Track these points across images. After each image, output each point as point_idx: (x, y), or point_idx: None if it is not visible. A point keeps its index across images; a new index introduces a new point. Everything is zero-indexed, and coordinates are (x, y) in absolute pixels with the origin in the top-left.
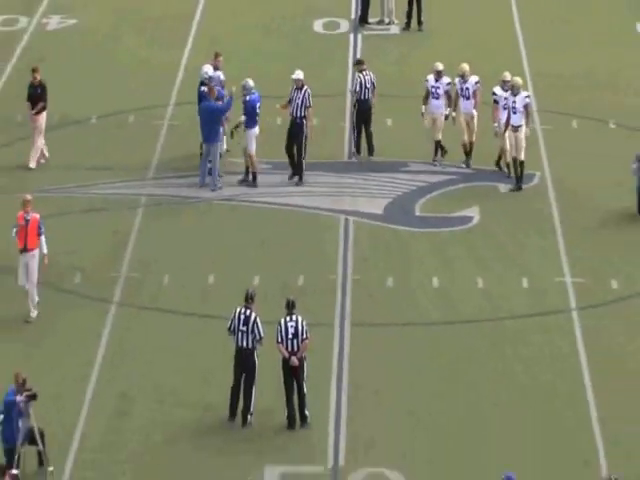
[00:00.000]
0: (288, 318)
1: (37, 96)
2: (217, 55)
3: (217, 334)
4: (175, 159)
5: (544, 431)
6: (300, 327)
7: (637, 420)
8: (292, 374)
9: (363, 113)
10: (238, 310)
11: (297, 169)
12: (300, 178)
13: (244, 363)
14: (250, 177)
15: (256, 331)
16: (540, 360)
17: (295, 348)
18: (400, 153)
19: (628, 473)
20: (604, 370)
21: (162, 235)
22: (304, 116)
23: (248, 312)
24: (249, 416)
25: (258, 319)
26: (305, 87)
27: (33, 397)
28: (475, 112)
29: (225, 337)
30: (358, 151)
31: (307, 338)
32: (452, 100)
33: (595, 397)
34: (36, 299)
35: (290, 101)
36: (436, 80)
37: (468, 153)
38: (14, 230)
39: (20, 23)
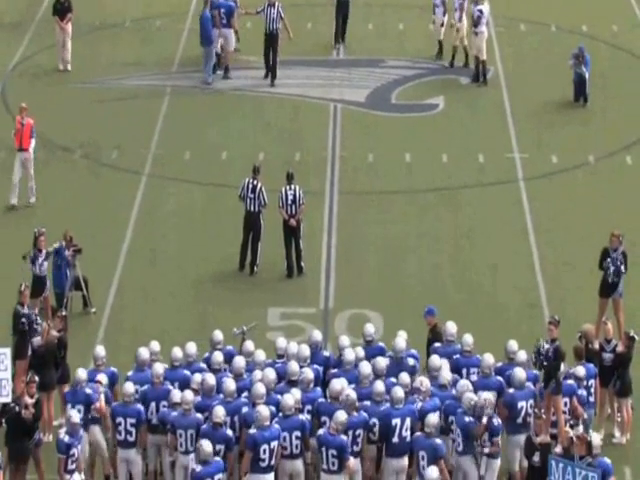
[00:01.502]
0: (288, 187)
1: (65, 9)
2: None
3: (230, 200)
4: (194, 57)
5: (494, 279)
6: (298, 195)
7: (573, 265)
8: (291, 233)
9: (342, 7)
10: (247, 181)
11: (272, 71)
12: (273, 79)
13: (252, 224)
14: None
15: (261, 198)
16: (491, 220)
17: (294, 212)
18: (378, 51)
19: (567, 314)
20: (545, 228)
21: (184, 118)
22: (278, 28)
23: (255, 182)
24: (255, 267)
25: (263, 188)
26: (277, 3)
27: (78, 251)
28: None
29: (236, 203)
30: (337, 40)
31: (303, 204)
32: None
33: (538, 250)
34: (34, 187)
35: (263, 12)
36: None
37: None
38: (13, 132)
39: None
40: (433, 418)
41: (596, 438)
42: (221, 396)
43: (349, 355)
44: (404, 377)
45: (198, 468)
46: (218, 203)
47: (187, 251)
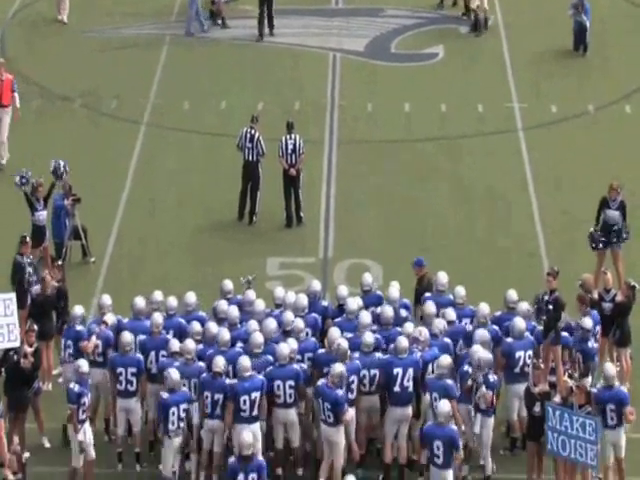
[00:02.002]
0: (288, 136)
1: None
2: None
3: (228, 150)
4: None
5: (493, 228)
6: (298, 144)
7: (572, 215)
8: (290, 183)
9: None
10: (245, 130)
11: (270, 21)
12: (271, 29)
13: (250, 174)
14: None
15: (260, 147)
16: (490, 170)
17: (293, 161)
18: (378, 0)
19: (566, 263)
20: (545, 178)
21: (183, 68)
22: None
23: (253, 132)
24: (254, 217)
25: (261, 137)
26: None
27: (77, 201)
28: None
29: (235, 152)
30: None
31: (303, 153)
32: None
33: (537, 199)
34: (6, 144)
35: None
36: None
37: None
38: None
39: None
40: (445, 360)
41: (611, 368)
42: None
43: (352, 304)
44: (407, 327)
45: (165, 395)
46: (217, 152)
47: (186, 201)
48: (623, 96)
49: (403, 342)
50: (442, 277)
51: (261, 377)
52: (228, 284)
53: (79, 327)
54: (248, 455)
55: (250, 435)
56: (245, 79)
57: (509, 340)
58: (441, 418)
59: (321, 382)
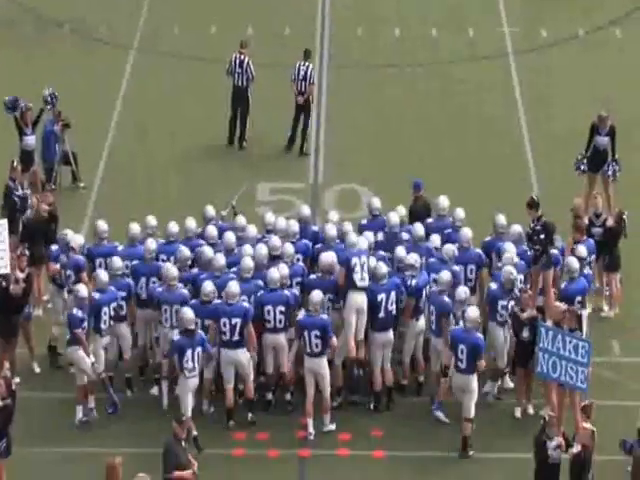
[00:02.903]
0: (302, 63)
1: None
2: None
3: (218, 75)
4: None
5: (484, 153)
6: (309, 72)
7: (563, 139)
8: (301, 110)
9: None
10: (234, 55)
11: None
12: None
13: (239, 99)
14: None
15: (249, 72)
16: (481, 95)
17: (303, 89)
18: None
19: (556, 188)
20: (535, 102)
21: None
22: None
23: (242, 57)
24: (244, 142)
25: (251, 62)
26: None
27: (67, 126)
28: None
29: (224, 78)
30: None
31: (313, 83)
32: None
33: (527, 124)
34: None
35: None
36: None
37: None
38: None
39: None
40: (445, 275)
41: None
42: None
43: (330, 231)
44: (399, 251)
45: (176, 337)
46: (207, 78)
47: (176, 126)
48: (613, 20)
49: (382, 269)
50: (442, 201)
51: (247, 305)
52: (210, 210)
53: (53, 247)
54: (191, 329)
55: (191, 311)
56: (235, 4)
57: (499, 264)
58: (469, 324)
59: (301, 314)
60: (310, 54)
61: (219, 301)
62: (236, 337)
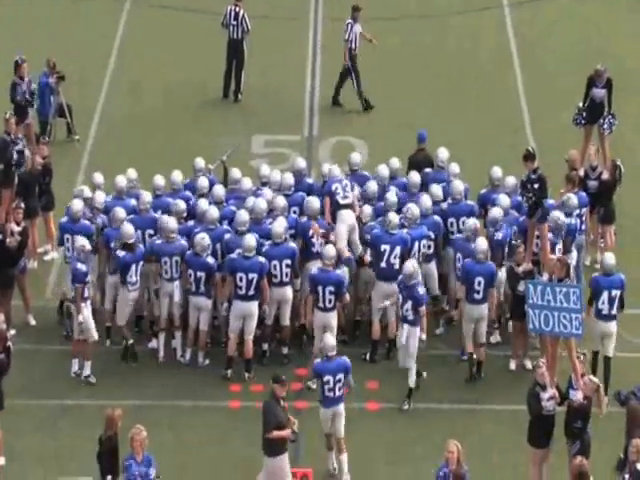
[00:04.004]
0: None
1: None
2: None
3: (213, 28)
4: None
5: (479, 104)
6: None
7: (559, 91)
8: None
9: None
10: (229, 7)
11: None
12: None
13: (235, 51)
14: None
15: (244, 24)
16: (476, 47)
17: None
18: None
19: (551, 140)
20: (530, 53)
21: None
22: None
23: (237, 9)
24: (239, 95)
25: (246, 14)
26: None
27: (62, 78)
28: None
29: (219, 30)
30: None
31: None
32: None
33: (522, 73)
34: None
35: None
36: None
37: None
38: None
39: None
40: (470, 222)
41: (610, 258)
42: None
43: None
44: (390, 196)
45: (121, 253)
46: (201, 31)
47: (171, 79)
48: None
49: (395, 219)
50: (442, 153)
51: (262, 259)
52: (199, 162)
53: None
54: (130, 243)
55: (131, 225)
56: None
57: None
58: (480, 255)
59: (315, 269)
60: (359, 8)
61: (235, 255)
62: (252, 291)
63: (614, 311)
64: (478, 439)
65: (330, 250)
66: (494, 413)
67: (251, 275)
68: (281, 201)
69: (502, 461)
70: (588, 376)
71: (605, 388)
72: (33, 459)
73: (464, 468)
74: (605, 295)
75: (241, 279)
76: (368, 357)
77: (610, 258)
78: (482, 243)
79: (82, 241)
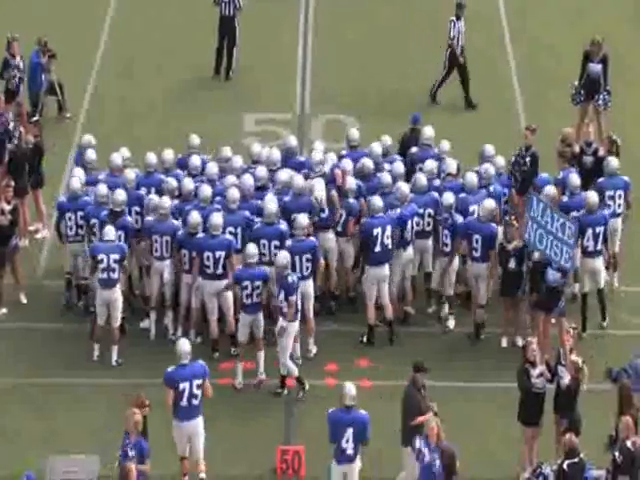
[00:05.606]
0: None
1: None
2: None
3: (204, 4)
4: None
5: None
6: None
7: (547, 68)
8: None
9: None
10: None
11: None
12: None
13: (226, 29)
14: None
15: (236, 1)
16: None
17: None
18: None
19: (545, 118)
20: (522, 35)
21: None
22: None
23: None
24: (231, 72)
25: None
26: None
27: (53, 56)
28: None
29: (211, 7)
30: None
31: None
32: None
33: (515, 56)
34: None
35: None
36: None
37: None
38: None
39: None
40: (488, 203)
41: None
42: (196, 201)
43: (317, 156)
44: (384, 177)
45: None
46: (193, 8)
47: (162, 57)
48: None
49: (378, 202)
50: (428, 131)
51: (230, 237)
52: (195, 139)
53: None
54: (117, 211)
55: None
56: None
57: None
58: (484, 213)
59: (290, 242)
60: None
61: (202, 235)
62: (219, 270)
63: (599, 246)
64: (470, 416)
65: (302, 220)
66: (484, 390)
67: (218, 253)
68: (283, 175)
69: (493, 439)
70: (570, 356)
71: (602, 318)
72: (24, 438)
73: (444, 443)
74: (589, 232)
75: (208, 258)
76: (365, 340)
77: (613, 161)
78: (488, 203)
79: (122, 195)
